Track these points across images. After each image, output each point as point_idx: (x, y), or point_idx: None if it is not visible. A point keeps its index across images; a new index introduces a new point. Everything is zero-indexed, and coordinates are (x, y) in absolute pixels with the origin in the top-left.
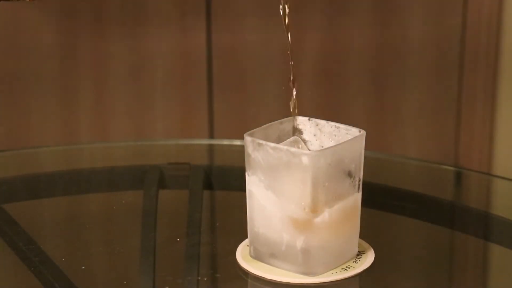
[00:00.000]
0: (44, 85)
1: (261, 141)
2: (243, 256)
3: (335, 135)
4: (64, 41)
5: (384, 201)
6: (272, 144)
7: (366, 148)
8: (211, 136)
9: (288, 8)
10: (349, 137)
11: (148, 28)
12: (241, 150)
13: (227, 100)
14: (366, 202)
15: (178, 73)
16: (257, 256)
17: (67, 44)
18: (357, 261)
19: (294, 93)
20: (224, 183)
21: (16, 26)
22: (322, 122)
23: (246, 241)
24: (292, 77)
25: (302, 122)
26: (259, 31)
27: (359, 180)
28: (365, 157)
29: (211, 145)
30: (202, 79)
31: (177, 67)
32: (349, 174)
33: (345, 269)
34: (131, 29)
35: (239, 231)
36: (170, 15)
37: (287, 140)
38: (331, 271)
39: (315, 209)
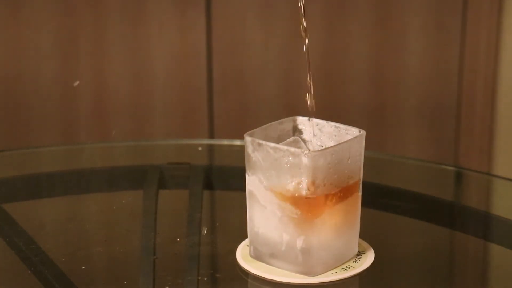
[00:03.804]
0: (44, 85)
1: (261, 141)
2: (243, 256)
3: (335, 135)
4: (64, 41)
5: (384, 201)
6: (272, 144)
7: (366, 148)
8: (211, 136)
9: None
10: (349, 137)
11: (148, 28)
12: (241, 150)
13: (227, 100)
14: (366, 202)
15: (178, 73)
16: (257, 256)
17: (67, 44)
18: (357, 261)
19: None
20: (224, 183)
21: (16, 26)
22: (322, 122)
23: (246, 241)
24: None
25: (302, 122)
26: (259, 31)
27: (359, 180)
28: (365, 157)
29: (211, 145)
30: (202, 79)
31: (177, 67)
32: (349, 174)
33: (345, 269)
34: (131, 29)
35: (239, 231)
36: (170, 15)
37: (287, 140)
38: (331, 271)
39: (315, 209)
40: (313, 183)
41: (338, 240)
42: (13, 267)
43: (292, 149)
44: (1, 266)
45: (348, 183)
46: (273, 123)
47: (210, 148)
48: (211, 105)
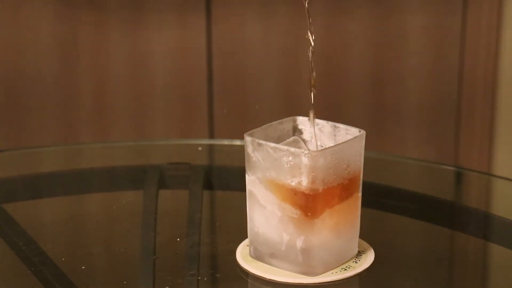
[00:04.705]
0: (44, 85)
1: (261, 141)
2: (243, 256)
3: (335, 135)
4: (65, 41)
5: (384, 201)
6: (272, 144)
7: (366, 148)
8: (211, 136)
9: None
10: (349, 137)
11: (148, 28)
12: (241, 150)
13: (227, 100)
14: (366, 202)
15: (178, 73)
16: (257, 256)
17: (67, 44)
18: (357, 261)
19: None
20: (224, 183)
21: (16, 26)
22: (322, 122)
23: (246, 241)
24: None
25: (302, 122)
26: (259, 31)
27: (359, 180)
28: (365, 157)
29: (211, 145)
30: (202, 79)
31: (177, 67)
32: (349, 174)
33: (345, 269)
34: (131, 29)
35: (239, 231)
36: (170, 15)
37: (287, 140)
38: (331, 271)
39: (315, 209)
40: (313, 183)
41: (338, 240)
42: (13, 267)
43: (292, 149)
44: (1, 266)
45: (348, 183)
46: (273, 123)
47: (210, 148)
48: (211, 105)
